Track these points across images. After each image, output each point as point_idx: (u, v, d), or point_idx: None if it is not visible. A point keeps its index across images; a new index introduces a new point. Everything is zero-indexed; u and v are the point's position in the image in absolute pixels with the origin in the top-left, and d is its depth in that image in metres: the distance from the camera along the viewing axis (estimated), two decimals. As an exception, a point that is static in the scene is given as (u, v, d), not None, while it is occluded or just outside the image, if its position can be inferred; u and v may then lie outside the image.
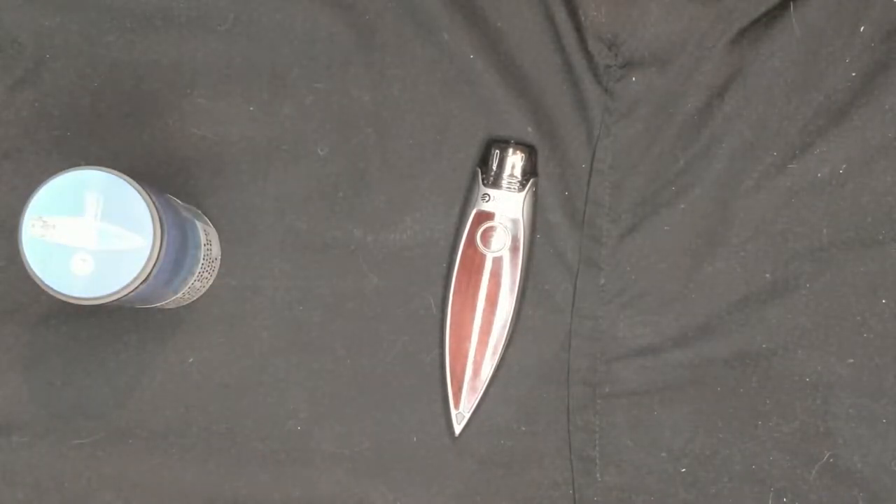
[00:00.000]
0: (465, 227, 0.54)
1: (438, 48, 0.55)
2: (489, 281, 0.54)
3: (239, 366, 0.55)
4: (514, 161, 0.54)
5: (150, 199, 0.46)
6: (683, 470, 0.54)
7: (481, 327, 0.54)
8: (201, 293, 0.55)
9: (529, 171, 0.54)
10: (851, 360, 0.54)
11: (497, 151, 0.54)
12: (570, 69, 0.55)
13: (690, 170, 0.55)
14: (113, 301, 0.46)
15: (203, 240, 0.52)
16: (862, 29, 0.54)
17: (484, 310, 0.54)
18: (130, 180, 0.46)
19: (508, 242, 0.54)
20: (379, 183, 0.55)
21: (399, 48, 0.55)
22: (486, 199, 0.54)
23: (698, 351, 0.54)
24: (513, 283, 0.54)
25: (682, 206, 0.55)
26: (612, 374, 0.54)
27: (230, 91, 0.55)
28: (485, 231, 0.54)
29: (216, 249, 0.55)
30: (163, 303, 0.52)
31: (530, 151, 0.54)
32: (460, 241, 0.54)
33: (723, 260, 0.55)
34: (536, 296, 0.55)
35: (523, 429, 0.55)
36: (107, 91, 0.55)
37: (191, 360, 0.55)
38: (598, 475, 0.54)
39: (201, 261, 0.52)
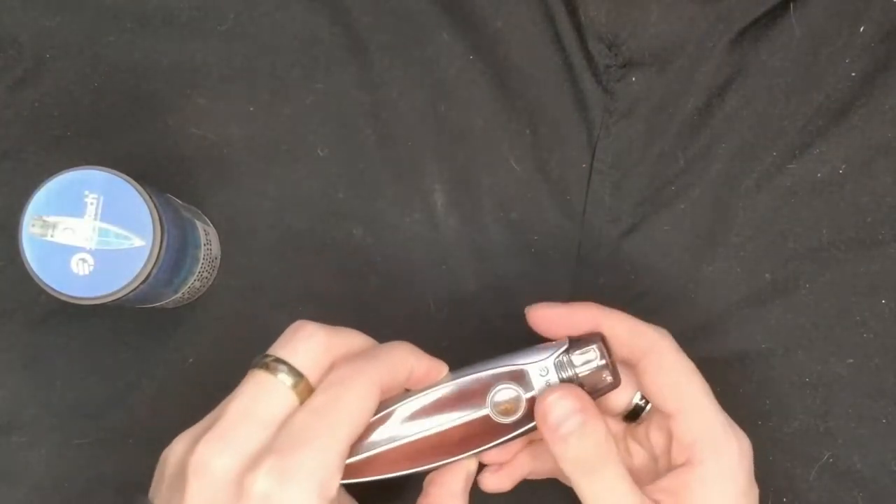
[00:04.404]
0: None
1: (437, 49, 0.55)
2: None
3: (239, 366, 0.55)
4: (594, 383, 0.46)
5: (150, 199, 0.46)
6: (683, 470, 0.54)
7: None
8: (201, 293, 0.55)
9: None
10: (851, 360, 0.54)
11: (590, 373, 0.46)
12: (569, 69, 0.55)
13: (690, 170, 0.55)
14: (113, 301, 0.46)
15: (203, 240, 0.52)
16: (862, 29, 0.54)
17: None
18: (130, 180, 0.46)
19: (521, 412, 0.46)
20: (379, 183, 0.55)
21: (398, 49, 0.55)
22: (545, 372, 0.46)
23: (698, 351, 0.54)
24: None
25: (682, 206, 0.55)
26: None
27: (230, 91, 0.55)
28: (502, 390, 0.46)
29: (216, 249, 0.55)
30: (163, 303, 0.52)
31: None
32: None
33: (723, 260, 0.55)
34: (537, 296, 0.55)
35: (523, 429, 0.55)
36: (107, 91, 0.55)
37: (191, 360, 0.55)
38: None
39: (201, 261, 0.52)
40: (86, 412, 0.54)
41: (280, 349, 0.44)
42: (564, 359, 0.46)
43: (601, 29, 0.54)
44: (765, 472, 0.54)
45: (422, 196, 0.55)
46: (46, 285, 0.45)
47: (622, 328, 0.47)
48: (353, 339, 0.45)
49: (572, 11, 0.55)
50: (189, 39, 0.55)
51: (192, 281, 0.52)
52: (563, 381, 0.46)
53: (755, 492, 0.46)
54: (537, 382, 0.46)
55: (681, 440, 0.45)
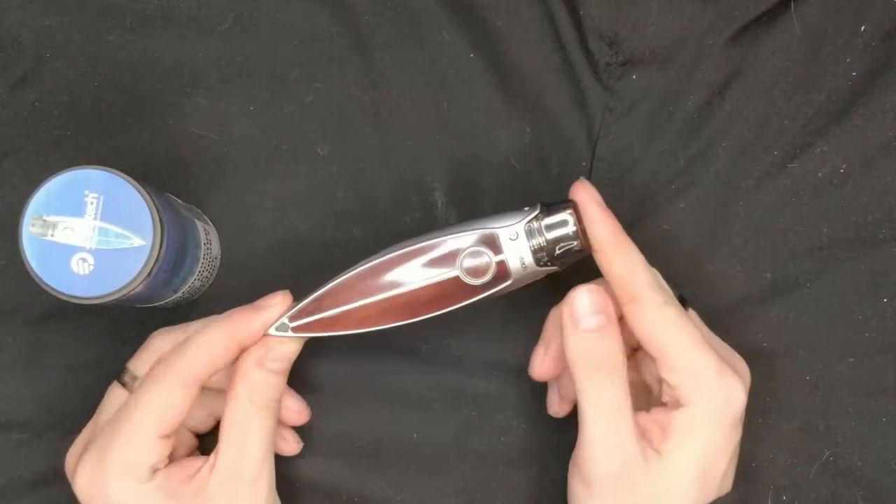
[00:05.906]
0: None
1: (438, 47, 0.55)
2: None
3: (239, 365, 0.55)
4: (564, 249, 0.47)
5: (150, 198, 0.46)
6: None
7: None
8: (201, 293, 0.55)
9: (554, 260, 0.48)
10: (852, 360, 0.54)
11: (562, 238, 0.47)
12: (570, 67, 0.55)
13: (690, 169, 0.55)
14: (113, 301, 0.46)
15: (203, 239, 0.52)
16: (862, 28, 0.54)
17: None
18: (130, 180, 0.46)
19: (490, 274, 0.47)
20: (379, 182, 0.55)
21: (399, 47, 0.55)
22: (515, 236, 0.47)
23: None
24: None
25: (682, 205, 0.55)
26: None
27: (230, 91, 0.55)
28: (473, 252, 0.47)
29: (216, 249, 0.55)
30: (163, 303, 0.52)
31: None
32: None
33: (723, 259, 0.55)
34: (537, 295, 0.55)
35: (523, 426, 0.55)
36: (107, 91, 0.55)
37: (191, 359, 0.55)
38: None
39: (201, 260, 0.52)
40: (86, 411, 0.54)
41: (131, 359, 0.50)
42: (535, 224, 0.47)
43: (601, 27, 0.54)
44: (765, 470, 0.54)
45: (422, 196, 0.55)
46: (46, 285, 0.45)
47: (622, 267, 0.47)
48: (182, 334, 0.49)
49: (573, 10, 0.55)
50: (189, 39, 0.55)
51: (192, 281, 0.52)
52: (532, 246, 0.47)
53: (738, 434, 0.47)
54: (507, 246, 0.47)
55: (668, 382, 0.46)
